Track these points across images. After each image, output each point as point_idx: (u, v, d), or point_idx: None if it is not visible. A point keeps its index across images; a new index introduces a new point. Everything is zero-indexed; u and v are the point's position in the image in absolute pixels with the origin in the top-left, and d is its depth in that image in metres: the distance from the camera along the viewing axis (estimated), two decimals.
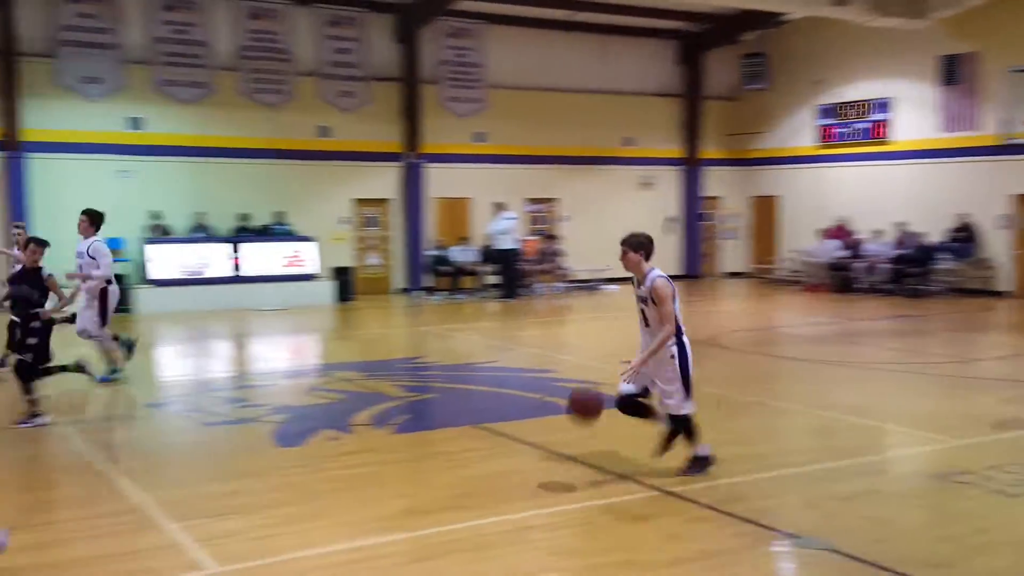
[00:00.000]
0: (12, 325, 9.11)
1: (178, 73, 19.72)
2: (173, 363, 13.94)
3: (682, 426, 6.73)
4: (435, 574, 5.17)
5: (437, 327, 16.36)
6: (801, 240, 23.67)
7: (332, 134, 21.09)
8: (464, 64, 22.45)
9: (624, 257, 6.61)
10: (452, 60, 22.31)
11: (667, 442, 6.83)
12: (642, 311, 6.65)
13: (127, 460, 7.49)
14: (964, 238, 20.36)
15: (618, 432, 8.08)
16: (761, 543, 5.66)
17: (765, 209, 25.77)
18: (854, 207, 22.55)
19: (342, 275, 20.23)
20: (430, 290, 21.23)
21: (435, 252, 21.47)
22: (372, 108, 21.45)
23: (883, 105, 22.39)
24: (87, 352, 10.51)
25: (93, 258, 10.40)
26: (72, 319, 10.10)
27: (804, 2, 19.93)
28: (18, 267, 9.54)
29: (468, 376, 11.43)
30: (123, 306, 18.22)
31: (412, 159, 21.77)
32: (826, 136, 23.83)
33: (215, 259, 19.21)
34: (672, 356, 6.55)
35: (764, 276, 25.05)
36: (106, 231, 18.57)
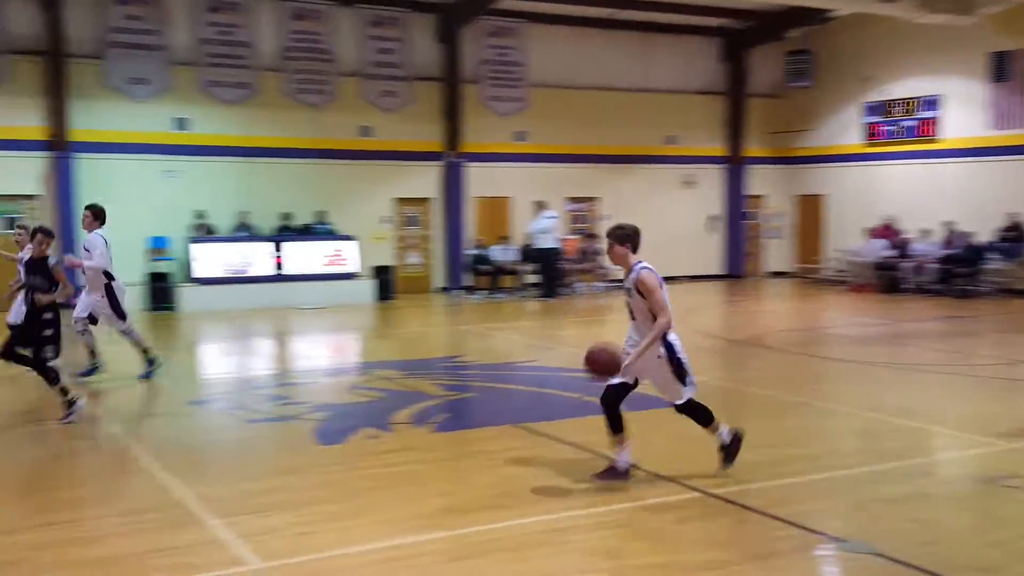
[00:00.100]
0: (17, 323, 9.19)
1: (223, 74, 19.93)
2: (216, 361, 14.08)
3: (690, 413, 6.60)
4: (474, 573, 5.15)
5: (477, 326, 16.35)
6: (847, 239, 23.36)
7: (374, 134, 21.18)
8: (505, 63, 22.44)
9: (610, 250, 6.48)
10: (493, 59, 22.31)
11: (726, 450, 6.73)
12: (627, 304, 6.53)
13: (171, 457, 7.55)
14: (1014, 238, 19.94)
15: (659, 433, 8.01)
16: (806, 546, 5.57)
17: (810, 208, 25.45)
18: (901, 206, 22.21)
19: (383, 274, 20.32)
20: (470, 289, 21.24)
21: (475, 251, 21.48)
22: (413, 108, 21.51)
23: (931, 102, 22.01)
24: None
25: (88, 250, 10.53)
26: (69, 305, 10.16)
27: None
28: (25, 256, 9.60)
29: (508, 375, 11.40)
30: (167, 304, 18.52)
31: (453, 158, 21.80)
32: (873, 134, 23.48)
33: (258, 258, 19.38)
34: (659, 356, 6.39)
35: (809, 276, 24.74)
36: (152, 230, 19.15)
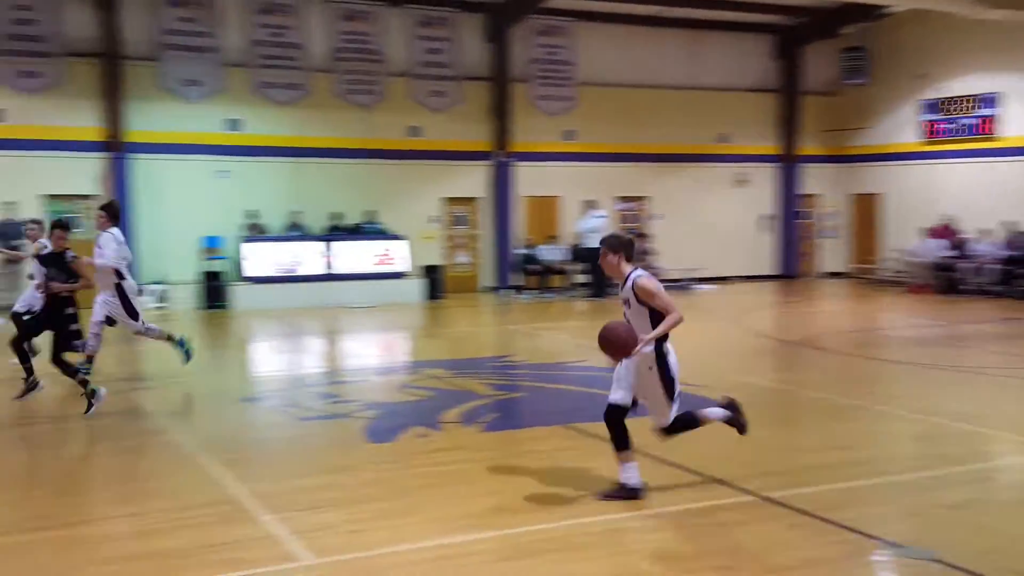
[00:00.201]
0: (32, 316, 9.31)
1: (275, 75, 20.14)
2: (268, 359, 14.23)
3: (674, 432, 6.41)
4: (524, 574, 5.12)
5: (525, 326, 16.32)
6: (904, 239, 22.94)
7: (422, 134, 21.26)
8: (554, 62, 22.39)
9: (603, 259, 6.31)
10: (542, 58, 22.27)
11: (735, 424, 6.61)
12: (624, 314, 6.41)
13: (224, 453, 7.63)
14: None
15: (711, 435, 7.91)
16: (863, 552, 5.45)
17: (866, 207, 25.03)
18: (960, 205, 21.74)
19: (431, 273, 20.38)
20: (519, 289, 21.22)
21: (524, 251, 21.46)
22: (462, 107, 21.55)
23: (991, 100, 21.52)
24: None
25: (100, 248, 10.36)
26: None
27: None
28: (46, 249, 9.62)
29: (557, 375, 11.35)
30: (220, 302, 18.76)
31: (501, 158, 21.80)
32: (930, 132, 23.02)
33: (308, 257, 19.56)
34: (650, 368, 6.21)
35: (864, 276, 24.33)
36: (205, 229, 19.41)
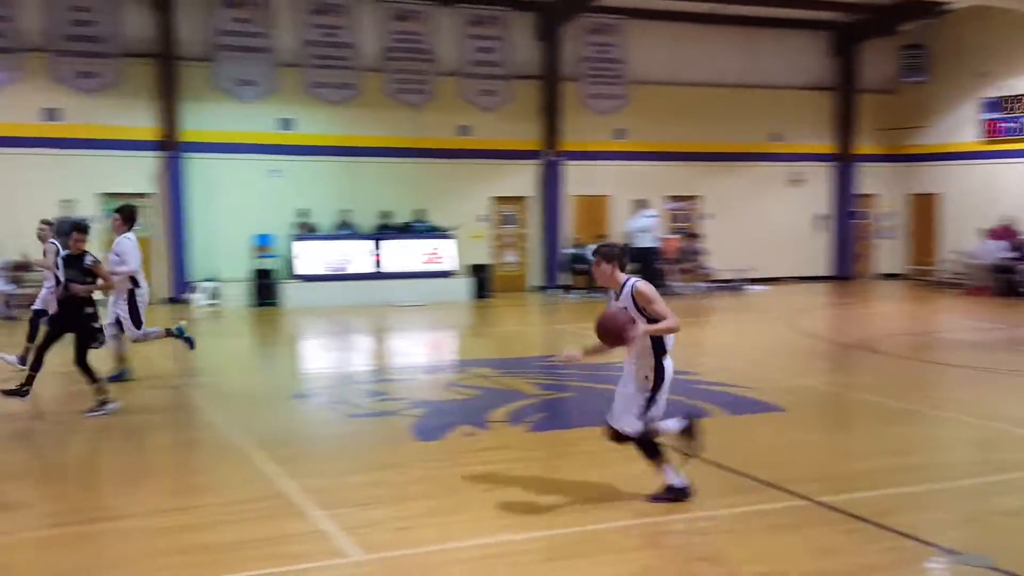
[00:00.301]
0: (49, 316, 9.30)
1: (326, 75, 20.30)
2: (317, 356, 14.34)
3: (644, 448, 6.18)
4: (571, 574, 5.07)
5: (573, 325, 16.25)
6: (963, 240, 22.43)
7: (472, 133, 21.29)
8: (605, 60, 22.28)
9: (597, 268, 6.19)
10: (593, 57, 22.17)
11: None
12: None
13: (275, 449, 7.68)
14: None
15: (764, 439, 7.80)
16: (917, 558, 5.34)
17: (924, 207, 24.53)
18: (1021, 206, 21.20)
19: (479, 272, 20.40)
20: (567, 288, 21.15)
21: (572, 250, 21.38)
22: (512, 106, 21.53)
23: None
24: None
25: (121, 256, 10.38)
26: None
27: None
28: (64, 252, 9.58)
29: (605, 376, 11.23)
30: (271, 300, 18.96)
31: (551, 157, 21.74)
32: (991, 131, 22.48)
33: (357, 256, 19.68)
34: (647, 378, 6.08)
35: (922, 278, 23.84)
36: (257, 228, 19.64)
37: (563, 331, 16.02)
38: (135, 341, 10.59)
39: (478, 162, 21.38)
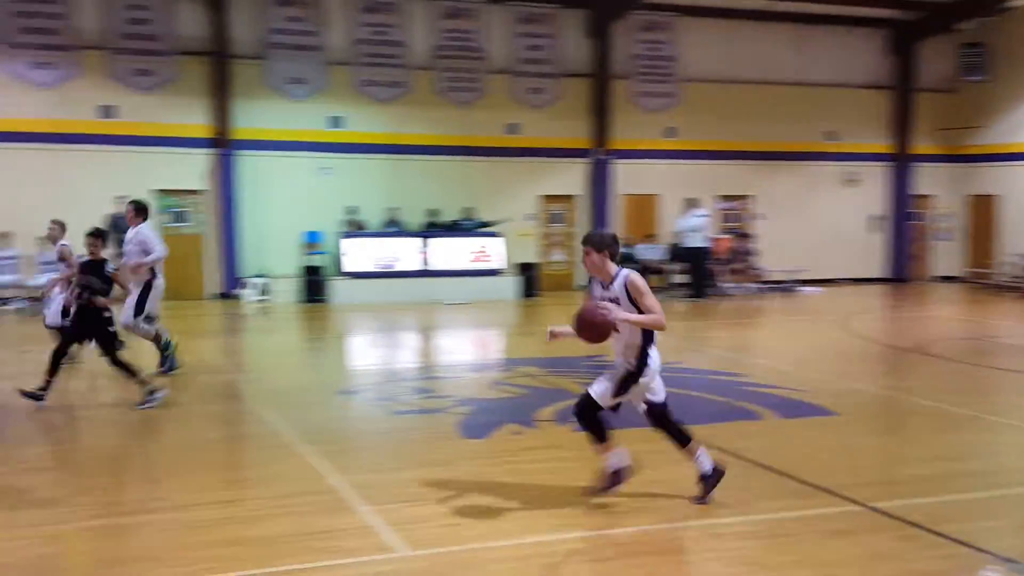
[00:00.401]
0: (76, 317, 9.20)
1: (376, 73, 20.41)
2: (364, 352, 14.40)
3: (590, 424, 6.08)
4: (619, 575, 5.00)
5: None
6: (1022, 243, 21.90)
7: (521, 131, 21.25)
8: (656, 58, 22.11)
9: (587, 258, 6.01)
10: (644, 54, 22.01)
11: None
12: None
13: (322, 444, 7.71)
14: None
15: (815, 442, 7.65)
16: (973, 566, 5.19)
17: (983, 209, 23.98)
18: None
19: (527, 271, 20.34)
20: None
21: (622, 249, 21.24)
22: (561, 104, 21.46)
23: None
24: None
25: (141, 246, 10.39)
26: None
27: None
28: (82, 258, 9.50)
29: None
30: (319, 297, 19.10)
31: (600, 155, 21.62)
32: None
33: (405, 253, 19.75)
34: (628, 363, 5.93)
35: (980, 281, 23.31)
36: (306, 225, 19.80)
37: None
38: (124, 327, 10.40)
39: (526, 160, 21.34)
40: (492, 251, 20.32)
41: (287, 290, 19.08)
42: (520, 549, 5.37)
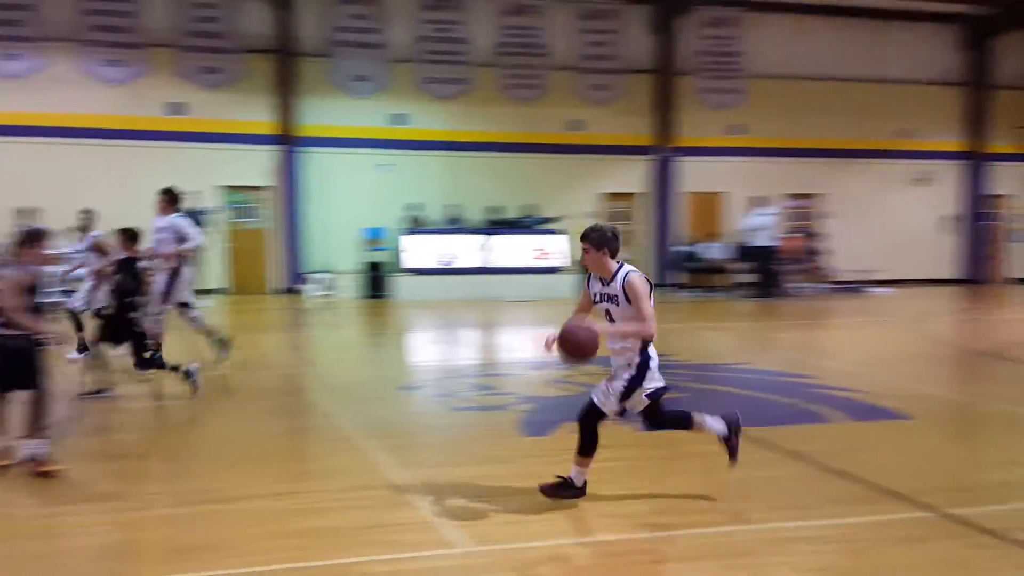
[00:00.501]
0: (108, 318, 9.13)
1: (439, 70, 20.47)
2: (424, 349, 14.42)
3: (587, 431, 5.90)
4: None
5: (685, 324, 15.92)
6: None
7: (583, 128, 21.13)
8: (722, 54, 21.82)
9: (586, 254, 5.84)
10: (710, 50, 21.73)
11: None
12: (607, 311, 5.90)
13: (383, 438, 7.72)
14: None
15: (886, 446, 7.44)
16: None
17: None
18: None
19: None
20: (679, 287, 20.77)
21: (685, 248, 20.98)
22: (624, 101, 21.29)
23: None
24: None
25: (176, 234, 10.33)
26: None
27: None
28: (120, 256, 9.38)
29: (717, 377, 10.95)
30: (381, 293, 19.21)
31: (664, 152, 21.39)
32: None
33: (466, 250, 19.76)
34: (629, 364, 5.75)
35: None
36: (368, 221, 19.94)
37: (674, 330, 15.70)
38: (151, 314, 10.05)
39: (588, 157, 21.22)
40: (553, 248, 20.23)
41: (349, 286, 19.24)
42: (579, 548, 5.31)
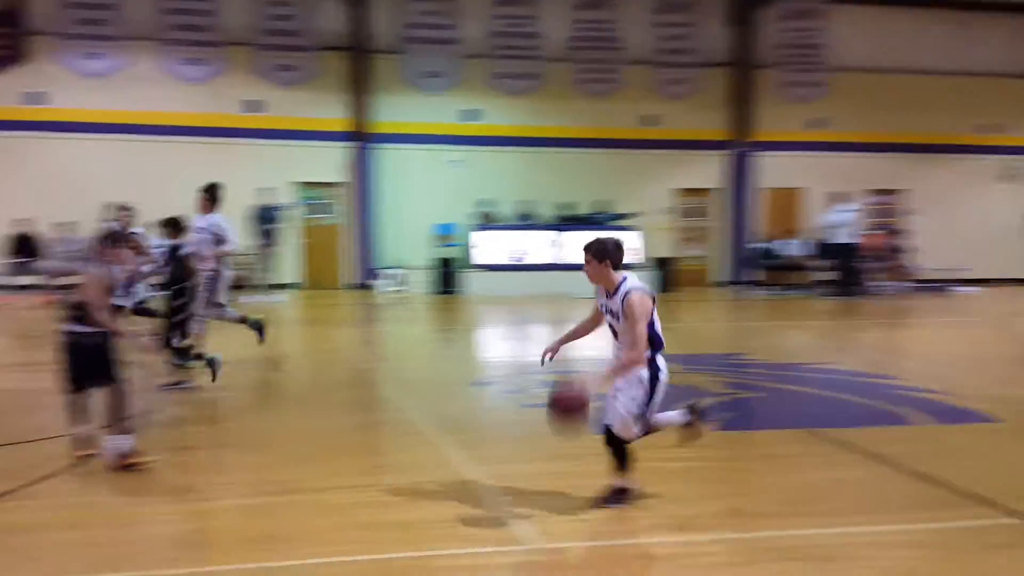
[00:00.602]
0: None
1: (511, 66, 20.43)
2: (496, 345, 14.40)
3: (617, 449, 5.72)
4: None
5: (762, 323, 15.62)
6: None
7: (657, 123, 20.89)
8: (803, 46, 21.35)
9: (588, 266, 5.65)
10: (790, 43, 21.28)
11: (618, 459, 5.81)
12: (611, 325, 5.71)
13: (455, 433, 7.71)
14: None
15: (972, 449, 7.16)
16: None
17: None
18: None
19: (664, 266, 19.95)
20: (756, 284, 20.39)
21: (762, 245, 20.59)
22: (700, 95, 20.98)
23: None
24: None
25: (215, 234, 10.07)
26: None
27: None
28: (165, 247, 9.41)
29: (795, 376, 10.69)
30: (450, 288, 19.26)
31: (742, 147, 21.01)
32: None
33: (537, 246, 19.69)
34: (641, 380, 5.62)
35: None
36: (439, 217, 20.01)
37: (751, 328, 15.41)
38: (196, 313, 9.98)
39: (662, 153, 20.99)
40: (627, 245, 20.01)
41: (420, 281, 19.33)
42: (654, 548, 5.21)
